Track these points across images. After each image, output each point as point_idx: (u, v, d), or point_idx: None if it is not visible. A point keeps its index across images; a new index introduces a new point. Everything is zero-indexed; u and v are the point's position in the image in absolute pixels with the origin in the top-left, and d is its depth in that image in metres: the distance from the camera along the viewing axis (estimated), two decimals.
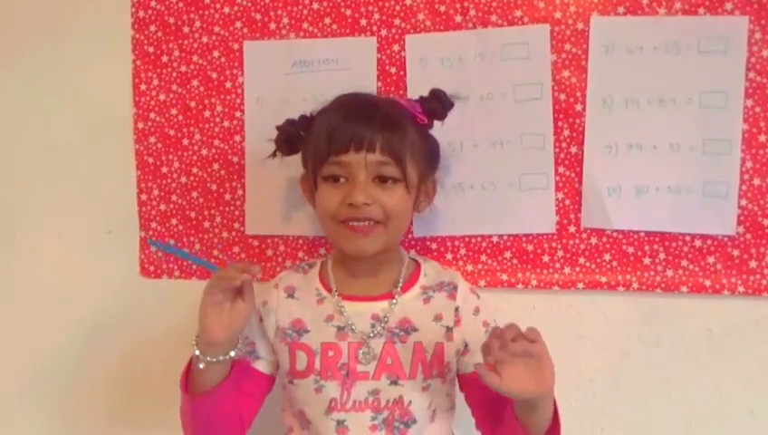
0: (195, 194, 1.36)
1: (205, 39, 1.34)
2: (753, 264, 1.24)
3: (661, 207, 1.26)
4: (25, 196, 1.41)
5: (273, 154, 1.21)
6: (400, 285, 1.12)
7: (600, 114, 1.26)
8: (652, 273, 1.27)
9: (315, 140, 1.10)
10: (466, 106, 1.28)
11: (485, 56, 1.28)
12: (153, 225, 1.37)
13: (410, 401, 1.08)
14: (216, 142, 1.35)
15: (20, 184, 1.41)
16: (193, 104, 1.35)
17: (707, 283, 1.25)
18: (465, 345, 1.11)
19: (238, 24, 1.33)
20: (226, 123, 1.35)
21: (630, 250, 1.27)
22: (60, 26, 1.37)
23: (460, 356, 1.11)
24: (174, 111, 1.36)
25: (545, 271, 1.29)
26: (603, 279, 1.28)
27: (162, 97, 1.36)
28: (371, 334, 1.08)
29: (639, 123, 1.25)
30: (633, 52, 1.25)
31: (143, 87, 1.36)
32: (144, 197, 1.37)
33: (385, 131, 1.06)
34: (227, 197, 1.36)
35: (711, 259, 1.25)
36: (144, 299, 1.39)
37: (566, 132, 1.27)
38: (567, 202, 1.28)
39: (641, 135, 1.25)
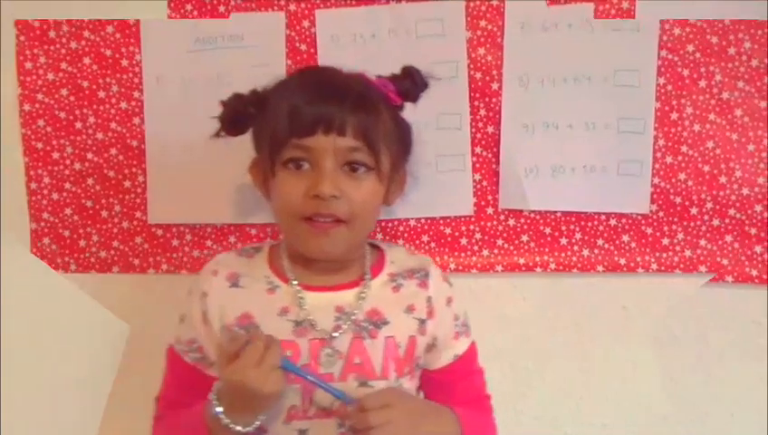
0: (90, 181, 1.26)
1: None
2: (665, 241, 1.25)
3: (577, 187, 1.25)
4: None
5: (217, 134, 1.05)
6: (368, 272, 1.01)
7: (517, 93, 1.23)
8: (569, 253, 1.26)
9: (273, 119, 0.95)
10: None
11: (399, 33, 1.23)
12: (45, 215, 1.26)
13: None
14: (113, 125, 1.25)
15: None
16: (86, 84, 1.25)
17: (622, 261, 1.26)
18: (435, 340, 1.02)
19: None
20: (123, 105, 1.25)
21: (548, 231, 1.26)
22: None
23: (428, 352, 1.02)
24: (64, 92, 1.25)
25: (463, 254, 1.26)
26: (521, 261, 1.26)
27: (50, 76, 1.24)
28: (336, 332, 0.96)
29: (556, 102, 1.24)
30: (548, 29, 1.23)
31: (28, 65, 1.24)
32: (34, 185, 1.26)
33: (358, 113, 0.93)
34: (127, 184, 1.26)
35: (626, 238, 1.26)
36: (37, 295, 1.28)
37: (482, 112, 1.24)
38: (484, 183, 1.25)
39: (557, 114, 1.24)
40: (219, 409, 0.89)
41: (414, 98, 1.06)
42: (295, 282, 0.99)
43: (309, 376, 0.92)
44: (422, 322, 1.00)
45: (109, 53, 1.24)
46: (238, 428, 0.90)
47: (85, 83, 1.25)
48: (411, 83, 1.04)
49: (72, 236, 1.27)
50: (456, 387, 1.05)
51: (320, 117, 0.92)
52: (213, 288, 0.99)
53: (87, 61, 1.24)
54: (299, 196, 0.94)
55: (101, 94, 1.25)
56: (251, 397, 0.88)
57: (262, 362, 0.87)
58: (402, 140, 1.03)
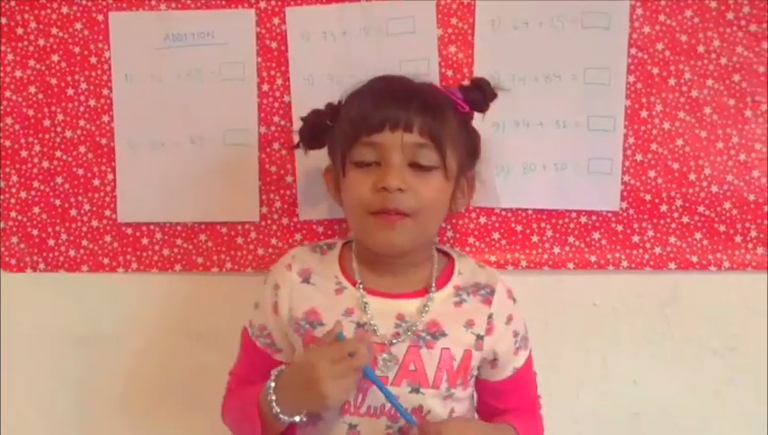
0: (59, 179, 1.26)
1: (65, 9, 1.23)
2: (635, 238, 1.25)
3: (548, 185, 1.25)
4: None
5: (297, 146, 1.12)
6: (434, 284, 1.03)
7: None
8: (540, 250, 1.26)
9: (345, 121, 1.01)
10: (352, 83, 1.23)
11: (370, 30, 1.23)
12: (13, 214, 1.26)
13: (429, 411, 0.99)
14: (82, 123, 1.25)
15: None
16: (54, 81, 1.24)
17: (593, 259, 1.26)
18: (495, 357, 1.05)
19: None
20: (92, 102, 1.24)
21: (519, 228, 1.26)
22: None
23: (487, 366, 1.06)
24: (32, 89, 1.24)
25: None
26: (492, 258, 1.26)
27: (18, 74, 1.24)
28: (394, 340, 0.99)
29: (526, 100, 1.24)
30: (519, 27, 1.23)
31: None
32: (2, 184, 1.25)
33: (424, 113, 0.98)
34: (96, 182, 1.26)
35: (596, 235, 1.26)
36: (7, 295, 1.28)
37: None
38: None
39: (528, 112, 1.24)
40: (273, 397, 0.94)
41: (482, 108, 1.09)
42: (361, 286, 1.02)
43: (386, 391, 0.95)
44: (479, 337, 1.03)
45: (77, 50, 1.24)
46: (283, 417, 0.94)
47: (54, 81, 1.24)
48: (480, 94, 1.08)
49: (40, 235, 1.26)
50: (513, 395, 1.09)
51: (387, 116, 0.97)
52: (285, 281, 1.04)
53: (55, 58, 1.24)
54: (367, 190, 0.98)
55: (70, 92, 1.24)
56: (308, 387, 0.92)
57: (338, 362, 0.91)
58: (470, 144, 1.06)
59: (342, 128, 1.01)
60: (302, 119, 1.10)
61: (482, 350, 1.03)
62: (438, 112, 0.99)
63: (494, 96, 1.10)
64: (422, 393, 0.99)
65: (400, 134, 0.96)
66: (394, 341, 0.99)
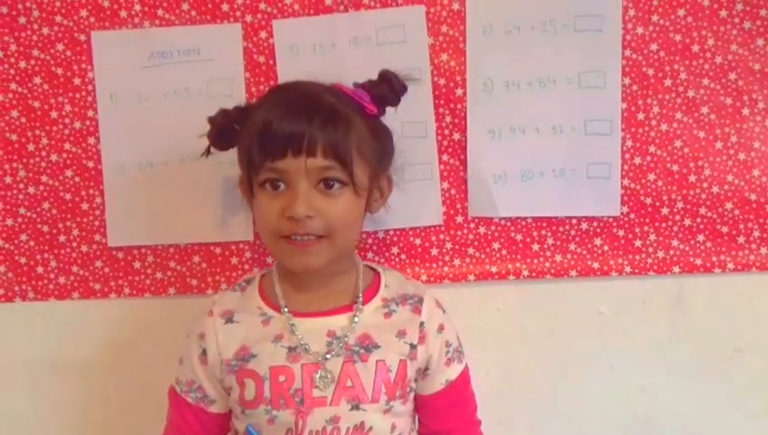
0: (46, 205, 1.22)
1: (46, 30, 1.20)
2: (638, 243, 1.23)
3: (547, 192, 1.23)
4: None
5: (207, 151, 1.07)
6: (360, 297, 1.01)
7: (481, 98, 1.21)
8: (541, 259, 1.24)
9: (248, 139, 0.97)
10: None
11: (360, 41, 1.21)
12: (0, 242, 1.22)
13: (371, 427, 0.98)
14: (67, 146, 1.21)
15: None
16: (37, 104, 1.21)
17: (595, 265, 1.24)
18: (427, 366, 1.03)
19: (83, 13, 1.19)
20: (78, 124, 1.21)
21: (519, 237, 1.24)
22: None
23: (420, 377, 1.04)
24: (15, 114, 1.21)
25: (435, 265, 1.24)
26: (494, 269, 1.24)
27: (0, 98, 1.20)
28: (328, 355, 0.97)
29: (521, 106, 1.21)
30: (511, 32, 1.21)
31: None
32: None
33: (327, 129, 0.93)
34: (84, 206, 1.22)
35: (598, 241, 1.24)
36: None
37: (448, 119, 1.22)
38: (453, 192, 1.23)
39: (523, 118, 1.22)
40: None
41: (393, 103, 1.06)
42: (287, 309, 1.00)
43: None
44: (413, 346, 1.01)
45: (60, 71, 1.20)
46: None
47: (36, 104, 1.21)
48: (389, 89, 1.04)
49: (28, 262, 1.23)
50: (448, 413, 1.07)
51: (289, 138, 0.92)
52: (209, 328, 1.01)
53: (38, 80, 1.20)
54: (275, 216, 0.95)
55: (54, 115, 1.21)
56: None
57: None
58: (381, 148, 1.02)
59: (246, 145, 0.97)
60: (210, 120, 1.05)
61: (416, 359, 1.01)
62: (343, 126, 0.95)
63: (403, 89, 1.06)
64: (363, 410, 0.98)
65: (303, 159, 0.93)
66: (328, 356, 0.97)
